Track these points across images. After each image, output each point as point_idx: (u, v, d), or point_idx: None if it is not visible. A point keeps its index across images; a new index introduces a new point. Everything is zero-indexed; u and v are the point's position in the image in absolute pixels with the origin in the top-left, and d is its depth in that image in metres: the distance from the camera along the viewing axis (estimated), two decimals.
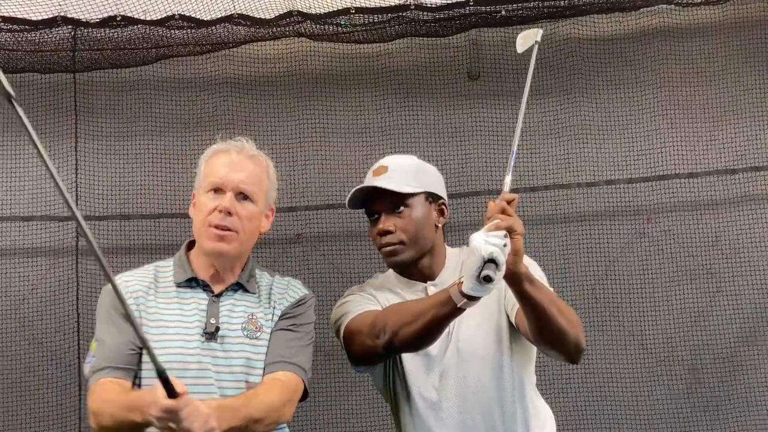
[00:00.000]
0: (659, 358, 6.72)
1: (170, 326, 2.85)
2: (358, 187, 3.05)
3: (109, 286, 2.89)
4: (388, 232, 3.03)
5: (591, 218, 6.87)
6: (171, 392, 2.42)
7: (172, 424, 2.45)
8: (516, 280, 2.65)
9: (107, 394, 2.71)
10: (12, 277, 6.65)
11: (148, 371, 2.81)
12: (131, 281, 2.95)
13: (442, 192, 3.15)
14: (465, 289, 2.58)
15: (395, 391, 3.08)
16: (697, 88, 6.86)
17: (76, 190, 6.70)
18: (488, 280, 2.49)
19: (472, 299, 2.61)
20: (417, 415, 3.00)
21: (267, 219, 3.05)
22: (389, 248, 3.04)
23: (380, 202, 3.04)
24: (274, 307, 2.97)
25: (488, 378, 2.97)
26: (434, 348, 2.96)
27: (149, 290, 2.92)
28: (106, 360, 2.81)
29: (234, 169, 2.93)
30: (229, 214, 2.88)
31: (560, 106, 6.89)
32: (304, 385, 2.90)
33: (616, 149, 6.89)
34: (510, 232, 2.55)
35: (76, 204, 6.64)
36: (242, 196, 2.93)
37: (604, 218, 6.86)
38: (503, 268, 2.50)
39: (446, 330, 2.91)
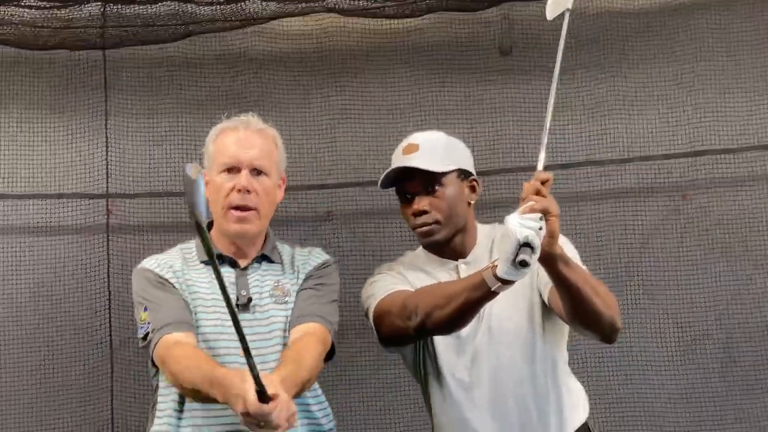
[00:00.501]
0: (694, 336, 6.65)
1: (206, 299, 2.88)
2: (391, 168, 3.00)
3: (145, 264, 2.97)
4: (423, 212, 2.99)
5: (625, 195, 6.79)
6: (265, 398, 2.43)
7: (260, 425, 2.46)
8: (551, 261, 2.60)
9: (190, 360, 2.69)
10: (43, 254, 6.68)
11: None
12: (170, 259, 2.98)
13: (472, 168, 3.11)
14: (499, 272, 2.54)
15: (426, 372, 3.05)
16: (734, 62, 6.74)
17: (107, 168, 6.71)
18: (524, 264, 2.44)
19: (507, 283, 2.57)
20: (449, 395, 2.98)
21: (280, 189, 3.05)
22: (425, 228, 3.01)
23: (413, 181, 3.00)
24: (298, 272, 3.00)
25: (520, 357, 2.94)
26: (466, 328, 2.92)
27: (184, 267, 2.95)
28: (170, 317, 2.82)
29: (244, 146, 2.93)
30: (248, 192, 2.85)
31: (594, 81, 6.81)
32: (331, 339, 2.92)
33: (651, 125, 6.80)
34: (545, 214, 2.50)
35: (107, 182, 6.67)
36: (256, 171, 2.93)
37: (638, 195, 6.79)
38: (538, 251, 2.45)
39: None
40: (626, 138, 6.81)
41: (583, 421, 3.05)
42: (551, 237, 2.54)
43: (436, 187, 2.98)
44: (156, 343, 2.79)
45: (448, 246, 3.05)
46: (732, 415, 6.52)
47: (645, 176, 6.78)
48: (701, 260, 6.68)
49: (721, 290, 6.65)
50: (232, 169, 2.91)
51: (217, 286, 2.85)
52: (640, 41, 6.83)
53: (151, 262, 2.97)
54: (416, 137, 3.09)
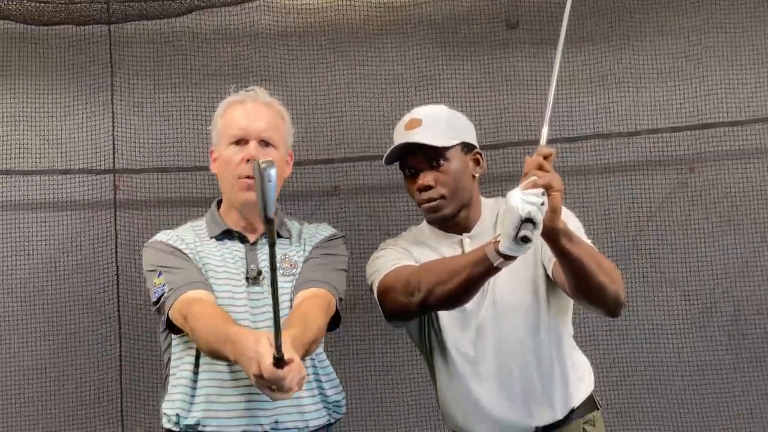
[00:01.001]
0: (702, 309, 6.66)
1: (218, 272, 2.89)
2: (395, 144, 2.98)
3: (157, 237, 2.99)
4: (428, 188, 2.97)
5: (633, 168, 6.78)
6: (281, 364, 2.43)
7: (272, 388, 2.47)
8: (553, 236, 2.59)
9: (208, 317, 2.70)
10: (51, 230, 6.70)
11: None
12: (181, 234, 2.99)
13: (475, 141, 3.09)
14: (501, 248, 2.53)
15: (431, 346, 3.06)
16: (742, 34, 6.70)
17: (113, 143, 6.71)
18: (526, 240, 2.44)
19: (509, 258, 2.57)
20: (454, 370, 2.98)
21: (288, 164, 3.06)
22: (431, 204, 2.99)
23: (417, 157, 2.98)
24: (304, 244, 3.01)
25: (525, 331, 2.93)
26: (470, 302, 2.92)
27: (195, 240, 2.96)
28: (188, 278, 2.83)
29: (253, 118, 2.93)
30: None
31: (601, 53, 6.78)
32: (336, 305, 2.93)
33: (658, 97, 6.77)
34: (547, 189, 2.48)
35: (113, 157, 6.68)
36: (264, 143, 2.93)
37: (646, 168, 6.77)
38: (540, 227, 2.45)
39: None
40: (633, 111, 6.79)
41: (588, 393, 3.05)
42: (554, 212, 2.52)
43: (441, 162, 2.96)
44: (174, 302, 2.79)
45: (453, 220, 3.04)
46: (739, 388, 6.54)
47: (652, 149, 6.77)
48: (709, 233, 6.67)
49: (728, 263, 6.64)
50: (241, 141, 2.92)
51: (228, 262, 2.90)
52: (648, 13, 6.79)
53: (161, 236, 2.99)
54: (418, 112, 3.06)
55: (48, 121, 6.76)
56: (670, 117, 6.75)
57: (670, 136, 6.73)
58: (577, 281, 2.68)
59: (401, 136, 3.00)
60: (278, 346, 2.38)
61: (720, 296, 6.65)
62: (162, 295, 2.84)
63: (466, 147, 3.04)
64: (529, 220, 2.42)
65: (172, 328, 2.85)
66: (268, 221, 2.20)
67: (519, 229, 2.43)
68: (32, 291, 6.64)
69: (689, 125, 6.70)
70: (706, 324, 6.65)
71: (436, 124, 2.99)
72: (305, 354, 2.70)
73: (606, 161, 6.78)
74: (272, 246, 2.26)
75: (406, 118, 3.05)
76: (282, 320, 2.76)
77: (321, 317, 2.79)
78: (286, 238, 3.01)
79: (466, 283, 2.71)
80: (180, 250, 2.90)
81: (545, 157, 2.56)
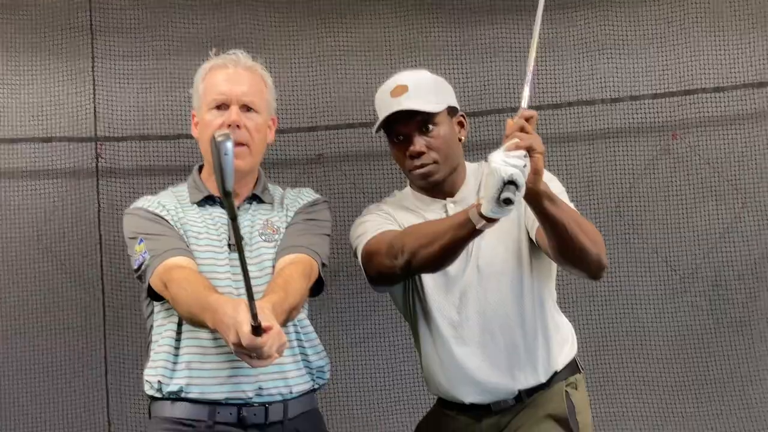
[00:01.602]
0: (683, 274, 6.70)
1: (200, 239, 2.87)
2: (388, 112, 2.96)
3: (137, 204, 2.96)
4: (420, 154, 2.96)
5: (615, 134, 6.79)
6: (259, 333, 2.42)
7: (251, 355, 2.47)
8: (536, 199, 2.59)
9: (189, 283, 2.68)
10: (33, 198, 6.67)
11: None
12: (162, 200, 2.96)
13: (457, 104, 3.08)
14: (484, 210, 2.53)
15: (415, 311, 3.06)
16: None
17: (95, 111, 6.67)
18: (508, 202, 2.43)
19: (491, 221, 2.57)
20: (437, 334, 2.99)
21: (271, 130, 3.02)
22: (424, 170, 2.97)
23: (406, 123, 2.95)
24: (287, 209, 2.99)
25: (508, 295, 2.94)
26: (454, 267, 2.92)
27: (177, 207, 2.93)
28: (170, 245, 2.81)
29: (234, 82, 2.89)
30: (238, 127, 2.83)
31: (584, 19, 6.77)
32: (319, 270, 2.90)
33: (641, 63, 6.78)
34: (530, 151, 2.48)
35: (95, 125, 6.64)
36: (246, 108, 2.89)
37: (628, 134, 6.79)
38: (523, 189, 2.45)
39: (466, 248, 2.86)
40: (616, 77, 6.79)
41: (572, 357, 3.06)
42: (536, 174, 2.52)
43: (431, 127, 2.94)
44: (155, 270, 2.77)
45: (439, 185, 3.04)
46: (720, 351, 6.60)
47: (635, 116, 6.78)
48: (690, 199, 6.71)
49: (709, 228, 6.68)
50: (222, 106, 2.87)
51: (210, 228, 2.89)
52: None
53: (142, 202, 2.95)
54: (402, 78, 3.02)
55: (28, 88, 6.71)
56: (652, 83, 6.76)
57: (652, 102, 6.74)
58: (560, 244, 2.69)
59: (388, 103, 2.97)
60: (254, 315, 2.38)
61: (701, 261, 6.69)
62: (143, 263, 2.82)
63: (452, 111, 3.03)
64: (511, 182, 2.42)
65: (153, 295, 2.84)
66: (226, 195, 2.20)
67: (501, 191, 2.43)
68: (14, 260, 6.62)
69: (671, 91, 6.72)
70: (687, 289, 6.70)
71: (423, 89, 2.97)
72: (286, 320, 2.69)
73: (588, 128, 6.79)
74: (234, 219, 2.26)
75: (390, 84, 3.01)
76: (264, 286, 2.77)
77: (302, 283, 2.77)
78: (269, 203, 2.98)
79: (449, 246, 2.71)
80: (161, 217, 2.87)
81: (527, 120, 2.56)
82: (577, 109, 6.76)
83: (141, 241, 2.85)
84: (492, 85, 6.75)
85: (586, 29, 6.78)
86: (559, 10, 6.55)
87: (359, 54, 6.82)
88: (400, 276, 2.91)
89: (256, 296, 2.64)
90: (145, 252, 2.81)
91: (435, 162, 2.96)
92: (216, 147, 2.17)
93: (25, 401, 6.52)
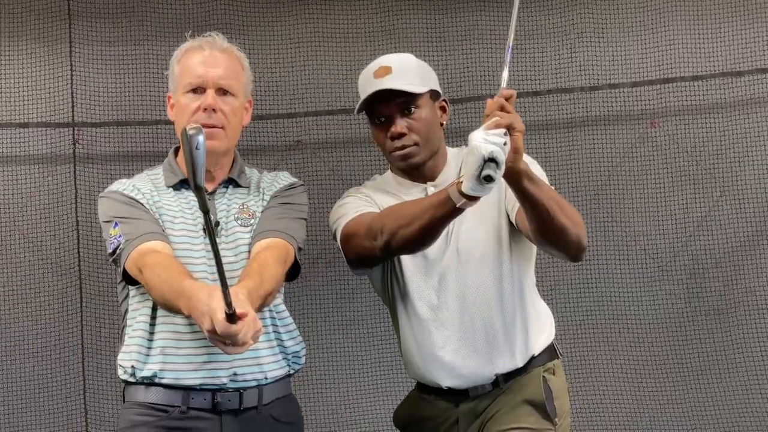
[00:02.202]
0: (661, 262, 6.73)
1: (175, 223, 2.84)
2: (370, 91, 2.95)
3: (112, 187, 2.92)
4: (401, 135, 2.96)
5: (593, 122, 6.81)
6: (233, 320, 2.41)
7: (226, 342, 2.46)
8: (516, 178, 2.59)
9: (163, 268, 2.66)
10: (9, 184, 6.63)
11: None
12: (137, 183, 2.93)
13: (440, 88, 3.08)
14: (464, 188, 2.52)
15: (393, 295, 3.06)
16: None
17: (72, 97, 6.63)
18: (489, 179, 2.43)
19: (472, 199, 2.56)
20: (416, 317, 2.99)
21: (247, 112, 3.00)
22: (404, 151, 2.97)
23: (388, 104, 2.95)
24: (263, 193, 2.97)
25: (488, 278, 2.94)
26: (433, 250, 2.92)
27: (152, 190, 2.91)
28: (145, 229, 2.78)
29: (210, 65, 2.86)
30: (214, 111, 2.82)
31: (564, 6, 6.77)
32: (295, 255, 2.89)
33: (620, 51, 6.79)
34: (510, 129, 2.49)
35: (72, 110, 6.60)
36: (222, 91, 2.87)
37: (606, 122, 6.81)
38: (503, 167, 2.45)
39: (445, 231, 2.87)
40: (595, 65, 6.80)
41: (549, 342, 3.07)
42: (516, 153, 2.52)
43: (413, 109, 2.94)
44: (129, 254, 2.74)
45: (420, 169, 3.04)
46: (697, 339, 6.64)
47: (613, 104, 6.80)
48: (669, 187, 6.74)
49: (687, 216, 6.71)
50: (198, 89, 2.84)
51: (186, 212, 2.87)
52: None
53: (117, 186, 2.92)
54: (387, 59, 3.03)
55: (4, 73, 6.66)
56: (631, 71, 6.78)
57: (631, 90, 6.76)
58: (540, 224, 2.69)
59: (371, 83, 2.97)
60: (228, 303, 2.37)
61: (679, 249, 6.72)
62: (118, 246, 2.79)
63: (434, 95, 3.03)
64: (491, 160, 2.42)
65: (128, 279, 2.81)
66: (197, 189, 2.20)
67: (482, 169, 2.43)
68: None
69: (650, 80, 6.74)
70: (664, 277, 6.73)
71: (407, 71, 2.97)
72: (262, 306, 2.68)
73: (567, 115, 6.80)
74: (206, 213, 2.27)
75: (374, 65, 3.01)
76: (239, 272, 2.76)
77: (277, 268, 2.76)
78: (245, 187, 2.96)
79: (429, 226, 2.71)
80: (136, 201, 2.84)
81: (507, 99, 2.56)
82: (556, 96, 6.77)
83: (116, 224, 2.82)
84: (472, 72, 6.75)
85: (565, 16, 6.79)
86: None
87: (339, 40, 6.80)
88: (379, 258, 2.90)
89: (231, 281, 2.64)
90: (120, 236, 2.79)
91: (416, 144, 2.96)
92: (188, 140, 2.17)
93: (0, 387, 6.49)
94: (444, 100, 3.07)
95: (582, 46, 6.79)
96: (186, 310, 2.53)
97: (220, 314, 2.39)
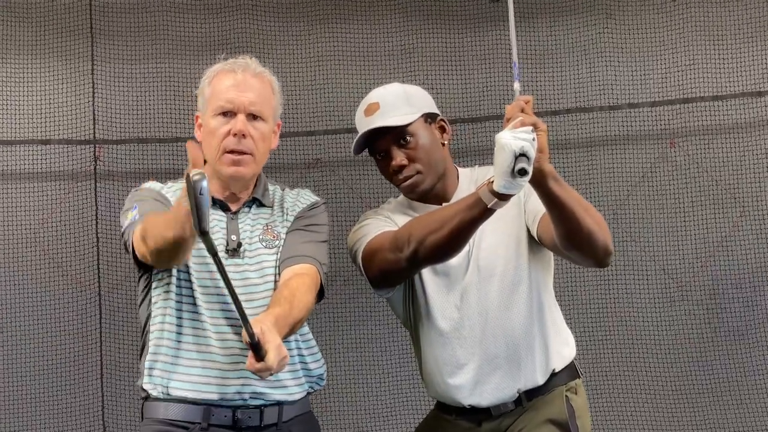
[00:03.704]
0: (680, 283, 6.70)
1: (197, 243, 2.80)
2: (362, 131, 2.97)
3: (145, 185, 2.93)
4: (402, 167, 2.97)
5: (613, 142, 6.79)
6: (259, 352, 2.42)
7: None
8: (542, 179, 2.58)
9: (161, 216, 2.60)
10: (31, 200, 6.67)
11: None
12: (170, 189, 2.92)
13: (435, 109, 3.08)
14: (497, 187, 2.52)
15: (414, 314, 3.04)
16: (723, 8, 6.72)
17: (93, 114, 6.67)
18: (523, 173, 2.44)
19: (503, 198, 2.56)
20: (437, 335, 2.97)
21: (275, 135, 2.98)
22: (409, 182, 2.98)
23: (383, 140, 2.97)
24: (286, 213, 2.95)
25: (508, 294, 2.93)
26: (455, 267, 2.92)
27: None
28: (159, 210, 2.75)
29: (242, 89, 2.84)
30: (243, 136, 2.82)
31: (584, 26, 6.78)
32: (321, 280, 2.87)
33: (640, 71, 6.79)
34: (534, 128, 2.50)
35: (94, 128, 6.64)
36: (253, 116, 2.84)
37: (626, 142, 6.79)
38: (533, 162, 2.46)
39: (466, 248, 2.86)
40: (615, 84, 6.80)
41: (571, 360, 3.05)
42: (541, 152, 2.53)
43: (408, 138, 2.94)
44: (137, 226, 2.69)
45: (431, 192, 3.04)
46: (717, 361, 6.59)
47: (632, 123, 6.79)
48: (688, 207, 6.71)
49: (707, 237, 6.68)
50: (228, 113, 2.83)
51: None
52: None
53: (151, 184, 2.93)
54: (373, 95, 3.04)
55: (27, 90, 6.71)
56: (651, 90, 6.77)
57: (651, 109, 6.75)
58: (567, 228, 2.67)
59: (362, 123, 3.00)
60: (250, 334, 2.37)
61: (699, 270, 6.69)
62: (132, 223, 2.75)
63: (429, 117, 3.03)
64: (523, 155, 2.43)
65: (140, 265, 2.77)
66: (202, 233, 2.20)
67: (515, 164, 2.44)
68: (12, 262, 6.61)
69: (670, 99, 6.73)
70: (684, 297, 6.70)
71: (393, 103, 2.98)
72: (290, 333, 2.67)
73: (586, 135, 6.79)
74: (215, 255, 2.27)
75: (364, 103, 3.03)
76: (264, 293, 2.76)
77: (309, 296, 2.75)
78: (269, 207, 2.95)
79: (459, 229, 2.70)
80: (166, 198, 2.85)
81: (525, 103, 2.59)
82: (575, 115, 6.77)
83: (135, 207, 2.80)
84: (491, 91, 6.75)
85: (585, 36, 6.79)
86: (558, 16, 6.57)
87: (358, 59, 6.83)
88: (405, 270, 2.88)
89: (259, 302, 2.64)
90: (136, 216, 2.76)
91: (419, 172, 2.96)
92: (192, 186, 2.17)
93: (20, 403, 6.51)
94: (442, 120, 3.07)
95: (602, 65, 6.79)
96: (172, 226, 2.46)
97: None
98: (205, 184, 2.17)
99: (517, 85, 2.74)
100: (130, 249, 2.75)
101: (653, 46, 6.78)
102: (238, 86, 2.84)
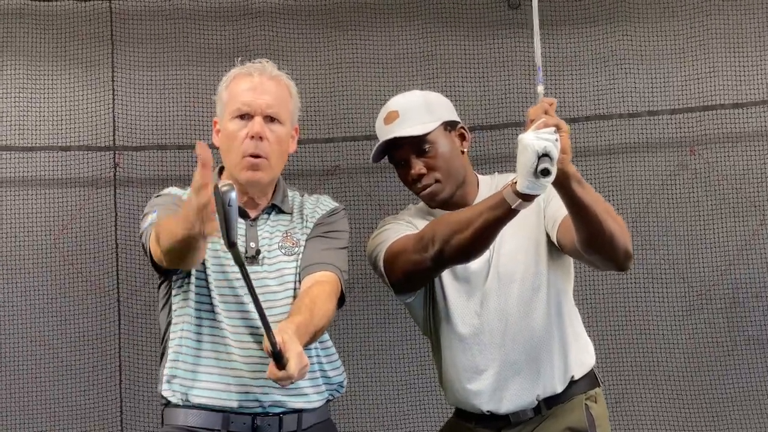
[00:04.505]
0: (700, 291, 6.67)
1: (218, 249, 2.81)
2: (382, 140, 2.97)
3: (169, 190, 2.92)
4: (421, 176, 2.97)
5: (632, 149, 6.77)
6: (280, 360, 2.41)
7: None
8: (565, 181, 2.57)
9: (174, 217, 2.54)
10: (51, 206, 6.71)
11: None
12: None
13: (455, 116, 3.08)
14: (520, 187, 2.51)
15: (434, 319, 3.04)
16: (744, 15, 6.69)
17: (113, 121, 6.71)
18: (546, 173, 2.43)
19: (527, 199, 2.56)
20: (457, 340, 2.97)
21: (293, 139, 2.97)
22: (428, 191, 2.98)
23: (402, 149, 2.97)
24: (306, 220, 2.94)
25: (528, 300, 2.93)
26: (475, 273, 2.92)
27: None
28: (174, 211, 2.69)
29: (259, 92, 2.83)
30: (261, 139, 2.82)
31: (604, 34, 6.76)
32: (341, 287, 2.87)
33: (660, 78, 6.77)
34: (557, 128, 2.50)
35: (113, 134, 6.68)
36: (270, 119, 2.84)
37: (646, 149, 6.77)
38: (556, 163, 2.45)
39: (487, 253, 2.87)
40: (634, 92, 6.78)
41: (590, 367, 3.04)
42: (564, 153, 2.52)
43: (426, 147, 2.94)
44: (153, 230, 2.69)
45: (451, 200, 3.04)
46: (736, 370, 6.56)
47: (652, 131, 6.77)
48: (708, 215, 6.68)
49: (727, 245, 6.65)
50: (245, 116, 2.82)
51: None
52: None
53: (173, 189, 2.93)
54: (393, 103, 3.04)
55: (48, 97, 6.76)
56: (671, 98, 6.75)
57: (671, 117, 6.73)
58: (589, 230, 2.66)
59: (382, 131, 3.00)
60: (273, 342, 2.37)
61: (718, 279, 6.66)
62: (150, 225, 2.76)
63: (449, 125, 3.03)
64: (546, 155, 2.43)
65: (158, 269, 2.78)
66: (231, 245, 2.19)
67: (538, 164, 2.43)
68: (31, 267, 6.65)
69: (690, 107, 6.70)
70: (704, 306, 6.66)
71: (412, 112, 2.98)
72: (311, 341, 2.67)
73: (606, 142, 6.77)
74: (242, 266, 2.26)
75: (383, 111, 3.03)
76: (284, 301, 2.76)
77: (329, 304, 2.75)
78: (288, 213, 2.94)
79: (483, 230, 2.69)
80: (184, 202, 2.85)
81: (549, 105, 2.59)
82: (595, 123, 6.75)
83: (154, 212, 2.80)
84: (510, 98, 6.74)
85: (604, 44, 6.78)
86: (578, 25, 6.55)
87: (377, 66, 6.83)
88: (430, 270, 2.87)
89: (278, 310, 2.64)
90: (153, 219, 2.76)
91: (438, 181, 2.96)
92: (220, 198, 2.16)
93: (40, 409, 6.54)
94: (462, 127, 3.07)
95: (621, 73, 6.78)
96: (183, 224, 2.41)
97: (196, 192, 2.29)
98: (233, 195, 2.15)
99: (540, 88, 2.70)
100: (148, 252, 2.76)
101: (673, 54, 6.76)
102: (254, 89, 2.84)
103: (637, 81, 6.78)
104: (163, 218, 2.65)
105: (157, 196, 2.94)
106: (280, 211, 2.94)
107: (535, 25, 2.79)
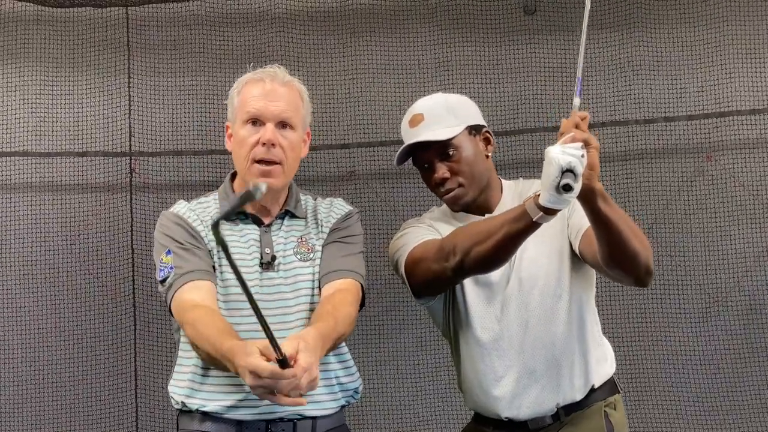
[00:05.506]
0: (717, 298, 6.64)
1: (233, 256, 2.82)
2: (407, 143, 2.96)
3: (178, 210, 2.90)
4: (445, 180, 2.96)
5: (649, 156, 6.75)
6: (284, 364, 2.38)
7: (273, 392, 2.42)
8: (590, 197, 2.55)
9: (205, 327, 2.62)
10: (67, 211, 6.73)
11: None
12: (203, 210, 2.91)
13: (481, 120, 3.07)
14: (542, 201, 2.50)
15: (454, 324, 3.03)
16: (760, 21, 6.67)
17: (129, 127, 6.73)
18: (568, 189, 2.41)
19: (549, 213, 2.54)
20: (477, 345, 2.96)
21: (305, 144, 2.97)
22: (451, 195, 2.97)
23: (426, 152, 2.96)
24: (321, 225, 2.94)
25: (550, 307, 2.92)
26: (496, 278, 2.92)
27: (208, 221, 2.88)
28: (194, 266, 2.76)
29: (271, 98, 2.83)
30: (273, 145, 2.81)
31: (620, 40, 6.75)
32: (362, 292, 2.88)
33: (676, 85, 6.74)
34: (586, 144, 2.48)
35: (130, 140, 6.70)
36: (282, 125, 2.83)
37: (662, 156, 6.75)
38: (581, 180, 2.43)
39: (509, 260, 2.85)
40: (651, 98, 6.76)
41: (610, 375, 3.03)
42: (592, 169, 2.50)
43: (450, 151, 2.94)
44: (176, 292, 2.73)
45: (474, 204, 3.03)
46: (754, 377, 6.52)
47: (668, 137, 6.74)
48: (724, 222, 6.65)
49: (744, 252, 6.62)
50: (257, 122, 2.82)
51: (242, 246, 2.86)
52: (667, 0, 6.76)
53: (184, 210, 2.90)
54: (418, 106, 3.03)
55: (65, 103, 6.79)
56: (687, 104, 6.73)
57: (687, 123, 6.70)
58: (612, 248, 2.64)
59: (406, 134, 3.00)
60: (276, 348, 2.34)
61: (735, 286, 6.63)
62: (167, 278, 2.77)
63: (474, 129, 3.01)
64: (570, 171, 2.41)
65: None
66: (214, 226, 2.13)
67: (561, 179, 2.42)
68: (48, 272, 6.67)
69: (706, 113, 6.67)
70: (721, 313, 6.63)
71: (437, 115, 2.97)
72: (333, 347, 2.67)
73: (622, 148, 6.75)
74: (225, 249, 2.17)
75: (409, 114, 3.03)
76: (297, 308, 2.75)
77: (351, 310, 2.75)
78: (302, 218, 2.93)
79: (504, 241, 2.68)
80: (196, 231, 2.83)
81: (581, 119, 2.57)
82: (612, 129, 6.74)
83: (169, 252, 2.80)
84: (526, 104, 6.74)
85: (621, 50, 6.76)
86: (595, 31, 6.54)
87: (393, 72, 6.83)
88: (450, 279, 2.87)
89: (293, 316, 2.63)
90: (171, 267, 2.77)
91: (461, 185, 2.95)
92: (249, 191, 2.06)
93: (55, 413, 6.56)
94: (487, 132, 3.06)
95: (638, 79, 6.76)
96: (232, 368, 2.50)
97: (261, 362, 2.36)
98: (263, 188, 2.05)
99: (576, 101, 2.68)
100: (168, 306, 2.79)
101: (690, 60, 6.74)
102: (266, 95, 2.83)
103: (653, 87, 6.76)
104: (201, 315, 2.66)
105: (165, 218, 2.91)
106: (294, 216, 2.93)
107: (582, 39, 2.76)
